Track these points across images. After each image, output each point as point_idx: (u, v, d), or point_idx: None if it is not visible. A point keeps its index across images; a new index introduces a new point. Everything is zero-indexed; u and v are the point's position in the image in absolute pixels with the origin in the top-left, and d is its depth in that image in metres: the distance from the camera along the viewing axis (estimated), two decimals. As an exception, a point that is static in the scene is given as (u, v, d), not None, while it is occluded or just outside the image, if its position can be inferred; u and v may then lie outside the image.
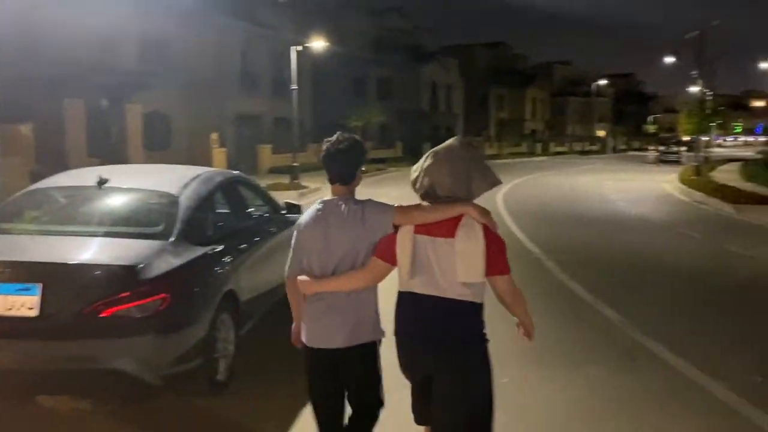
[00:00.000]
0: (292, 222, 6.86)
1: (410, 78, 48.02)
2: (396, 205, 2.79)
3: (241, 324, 4.94)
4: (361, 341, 2.90)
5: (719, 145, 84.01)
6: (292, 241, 3.02)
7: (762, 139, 53.86)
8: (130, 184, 4.99)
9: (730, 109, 64.32)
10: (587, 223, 14.34)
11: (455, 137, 2.89)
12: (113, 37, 21.91)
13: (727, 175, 28.57)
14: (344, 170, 2.95)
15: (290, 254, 3.01)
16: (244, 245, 5.21)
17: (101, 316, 3.72)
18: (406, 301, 2.76)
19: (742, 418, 4.27)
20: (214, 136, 26.54)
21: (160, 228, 4.39)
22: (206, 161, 23.23)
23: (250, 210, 6.15)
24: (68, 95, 18.93)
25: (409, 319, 2.75)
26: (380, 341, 2.99)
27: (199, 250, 4.40)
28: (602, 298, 7.31)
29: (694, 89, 35.62)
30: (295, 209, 6.97)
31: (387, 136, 44.66)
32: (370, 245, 2.79)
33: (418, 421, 2.88)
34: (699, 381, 4.87)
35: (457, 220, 2.59)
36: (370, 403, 3.01)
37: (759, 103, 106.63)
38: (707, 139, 42.07)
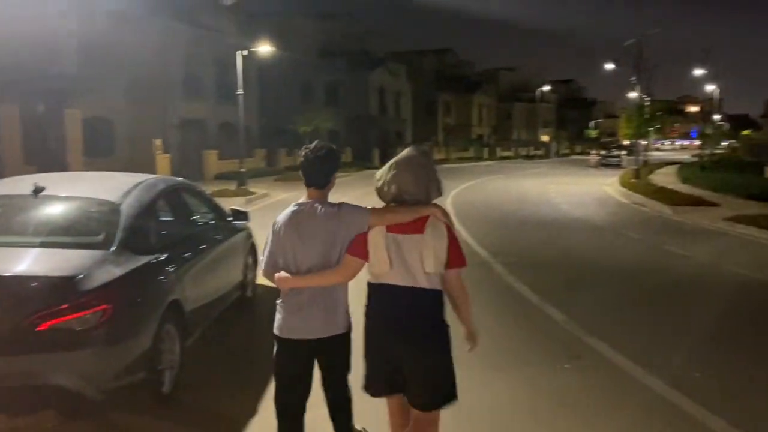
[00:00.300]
0: (239, 229, 6.84)
1: (359, 83, 48.11)
2: (371, 208, 3.09)
3: (187, 335, 4.83)
4: (336, 332, 3.19)
5: (657, 149, 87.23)
6: (267, 241, 3.22)
7: (697, 143, 56.20)
8: (68, 192, 4.82)
9: (667, 114, 66.77)
10: (533, 226, 14.64)
11: (411, 147, 3.19)
12: (51, 41, 21.17)
13: (664, 178, 29.68)
14: (321, 175, 3.19)
15: (266, 252, 3.23)
16: (189, 254, 5.11)
17: (39, 329, 3.58)
18: (378, 291, 3.07)
19: (681, 412, 4.42)
20: (158, 142, 25.94)
21: (100, 237, 4.26)
22: (150, 168, 22.67)
23: (195, 217, 6.05)
24: (2, 101, 18.19)
25: (382, 307, 3.07)
26: (351, 331, 3.28)
27: (142, 260, 4.29)
28: (548, 298, 7.47)
29: (633, 95, 36.86)
30: (242, 216, 6.89)
31: (336, 142, 44.25)
32: (346, 243, 3.07)
33: (377, 391, 3.19)
34: (640, 377, 5.03)
35: (424, 219, 2.99)
36: (344, 390, 3.35)
37: (694, 108, 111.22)
38: (646, 143, 43.61)
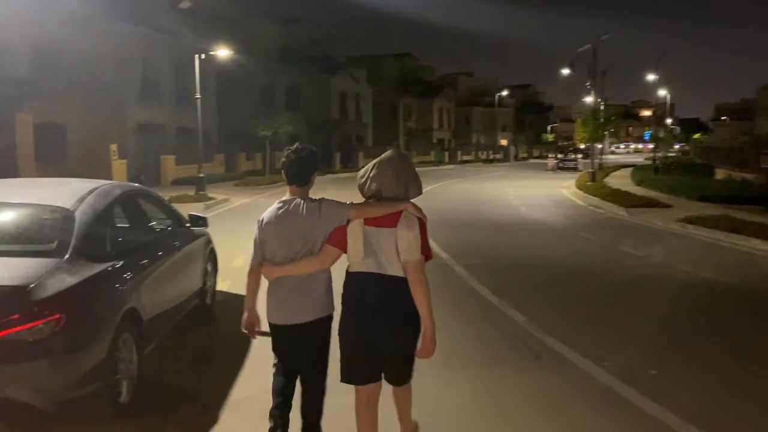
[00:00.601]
0: (198, 235, 6.75)
1: (319, 87, 47.98)
2: (350, 203, 3.40)
3: (145, 343, 4.75)
4: (318, 316, 3.54)
5: (612, 153, 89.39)
6: (256, 235, 3.56)
7: (650, 146, 57.78)
8: (19, 198, 4.69)
9: (621, 118, 68.45)
10: (493, 228, 14.82)
11: (392, 149, 3.48)
12: (1, 44, 20.54)
13: (619, 181, 30.41)
14: (302, 174, 3.55)
15: (255, 247, 3.58)
16: (146, 261, 5.02)
17: (-12, 341, 3.47)
18: (356, 279, 3.36)
19: (636, 408, 4.53)
20: (114, 147, 25.39)
21: (53, 245, 4.15)
22: (105, 174, 22.19)
23: (152, 224, 5.94)
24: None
25: (359, 293, 3.35)
26: (332, 315, 3.60)
27: (97, 268, 4.19)
28: (508, 300, 7.58)
29: (588, 99, 37.68)
30: (201, 222, 6.81)
31: (297, 146, 44.29)
32: (326, 235, 3.40)
33: (349, 378, 3.44)
34: (597, 375, 5.14)
35: (399, 214, 3.30)
36: (319, 376, 3.66)
37: (647, 113, 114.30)
38: (601, 146, 44.61)
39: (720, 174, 30.24)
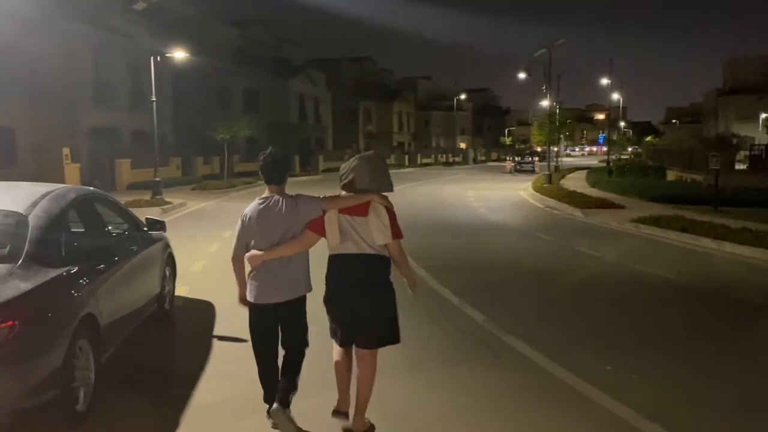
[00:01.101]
0: (156, 240, 6.63)
1: (278, 91, 47.66)
2: (324, 197, 3.98)
3: (102, 350, 4.65)
4: (295, 295, 4.02)
5: (568, 155, 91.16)
6: (237, 228, 4.04)
7: (604, 148, 59.18)
8: (-32, 203, 4.54)
9: (576, 121, 69.88)
10: (453, 230, 14.97)
11: (372, 151, 4.26)
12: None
13: (575, 183, 31.06)
14: (279, 175, 4.06)
15: (234, 238, 4.06)
16: (103, 266, 4.92)
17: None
18: (336, 260, 3.95)
19: (593, 403, 4.64)
20: (66, 150, 24.70)
21: (5, 250, 4.04)
22: (58, 178, 21.56)
23: (108, 228, 5.83)
24: None
25: (341, 271, 3.93)
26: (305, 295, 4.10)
27: (52, 273, 4.09)
28: (468, 300, 7.67)
29: (544, 103, 38.40)
30: (159, 226, 6.70)
31: (256, 149, 43.76)
32: (302, 225, 3.93)
33: (341, 343, 4.05)
34: (556, 373, 5.25)
35: (368, 204, 3.86)
36: (300, 343, 4.14)
37: (600, 116, 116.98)
38: (557, 149, 45.52)
39: (671, 175, 31.17)
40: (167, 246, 7.12)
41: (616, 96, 55.24)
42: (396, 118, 71.53)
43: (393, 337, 4.04)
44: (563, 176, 36.69)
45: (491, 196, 25.87)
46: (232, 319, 6.86)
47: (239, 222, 4.06)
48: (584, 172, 41.80)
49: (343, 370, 4.08)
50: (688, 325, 6.95)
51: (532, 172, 45.45)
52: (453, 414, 4.51)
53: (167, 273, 6.91)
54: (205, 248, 11.78)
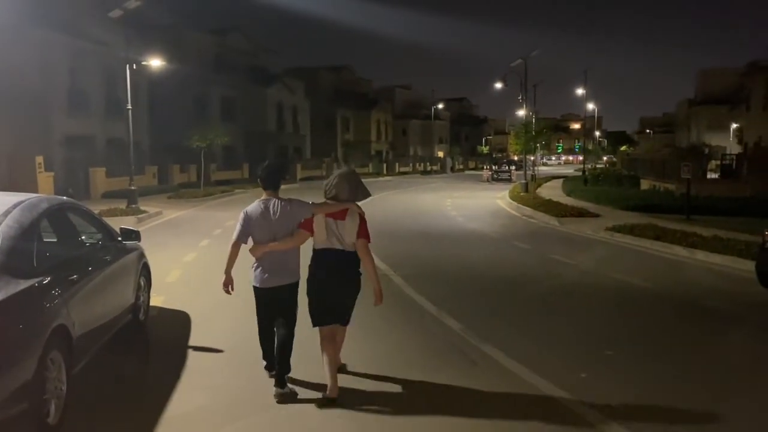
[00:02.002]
0: (130, 249, 6.57)
1: (256, 99, 47.48)
2: (312, 203, 4.98)
3: (75, 361, 4.58)
4: (290, 281, 5.00)
5: (544, 164, 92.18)
6: (239, 222, 4.95)
7: (580, 158, 59.98)
8: (-63, 213, 4.45)
9: (551, 131, 70.72)
10: (431, 239, 15.02)
11: (348, 167, 5.53)
12: None
13: (551, 191, 31.39)
14: (276, 182, 5.04)
15: (237, 230, 4.94)
16: (76, 276, 4.85)
17: None
18: (322, 252, 4.93)
19: (568, 410, 4.69)
20: (39, 159, 24.30)
21: (-25, 261, 3.96)
22: (31, 187, 21.21)
23: (81, 238, 5.75)
24: None
25: (323, 262, 4.92)
26: (299, 281, 5.06)
27: (23, 284, 4.03)
28: (445, 308, 7.71)
29: (521, 113, 38.79)
30: (133, 236, 6.64)
31: (232, 158, 43.65)
32: (295, 224, 4.93)
33: (318, 323, 5.03)
34: (531, 381, 5.29)
35: (345, 210, 4.90)
36: (291, 320, 5.07)
37: (576, 126, 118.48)
38: (533, 158, 45.99)
39: (645, 184, 31.66)
40: (142, 256, 7.05)
41: (591, 106, 56.07)
42: (374, 126, 71.67)
43: (348, 317, 5.14)
44: (539, 185, 37.05)
45: (469, 204, 26.02)
46: (208, 330, 6.82)
47: (241, 217, 4.98)
48: (560, 181, 42.26)
49: (330, 347, 4.97)
50: (661, 332, 7.06)
51: (509, 180, 45.81)
52: (428, 422, 4.52)
53: (142, 283, 6.84)
54: (182, 257, 11.68)
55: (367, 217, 5.00)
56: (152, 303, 7.43)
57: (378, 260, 11.22)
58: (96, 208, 16.71)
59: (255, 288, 5.06)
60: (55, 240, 5.34)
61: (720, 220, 16.31)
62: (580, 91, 51.66)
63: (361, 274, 5.00)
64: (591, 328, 7.16)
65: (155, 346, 6.60)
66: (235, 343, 6.36)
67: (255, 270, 5.02)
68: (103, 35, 28.49)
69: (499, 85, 36.01)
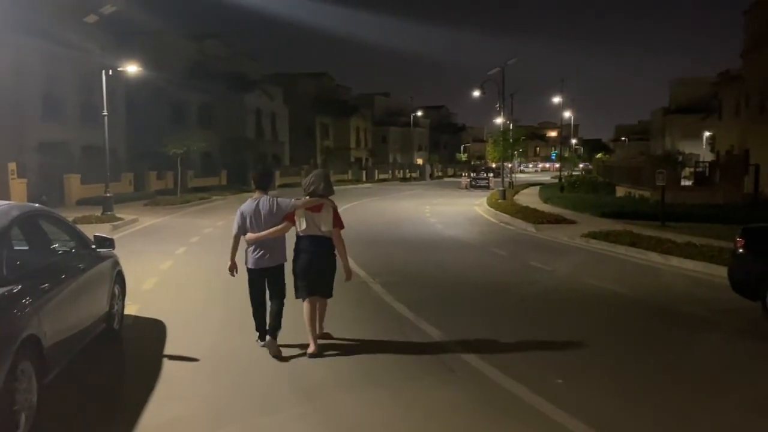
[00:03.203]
0: (105, 257, 6.48)
1: (234, 105, 47.26)
2: (294, 199, 6.23)
3: (46, 372, 4.49)
4: (278, 263, 6.27)
5: (522, 172, 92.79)
6: (236, 217, 6.17)
7: (557, 165, 60.56)
8: None
9: (529, 138, 71.23)
10: (409, 245, 15.04)
11: (320, 169, 7.05)
12: None
13: (528, 198, 31.64)
14: (266, 184, 6.33)
15: (235, 224, 6.19)
16: (47, 285, 4.76)
17: None
18: (303, 238, 6.17)
19: (545, 417, 4.71)
20: (12, 166, 23.89)
21: (-58, 270, 3.88)
22: (3, 194, 20.86)
23: (54, 246, 5.66)
24: None
25: (306, 246, 6.15)
26: (285, 263, 6.34)
27: (-8, 293, 3.95)
28: (424, 315, 7.71)
29: (498, 120, 39.07)
30: (107, 243, 6.56)
31: (210, 164, 43.35)
32: (281, 217, 6.11)
33: (301, 296, 6.23)
34: (509, 387, 5.31)
35: (321, 205, 6.12)
36: (281, 294, 6.27)
37: (553, 133, 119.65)
38: (511, 165, 46.32)
39: (620, 191, 32.07)
40: (116, 264, 6.96)
41: (567, 114, 56.65)
42: (353, 133, 71.72)
43: (328, 290, 6.36)
44: (517, 192, 37.32)
45: (447, 211, 26.12)
46: (184, 338, 6.74)
47: (238, 214, 6.20)
48: (537, 188, 42.62)
49: (312, 314, 6.21)
50: (636, 338, 7.14)
51: (487, 188, 46.05)
52: (406, 430, 4.51)
53: (116, 291, 6.75)
54: (158, 265, 11.54)
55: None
56: (127, 311, 7.33)
57: (357, 268, 11.26)
58: (70, 216, 16.48)
59: (250, 270, 6.22)
60: (27, 248, 5.25)
61: (694, 227, 16.58)
62: (556, 100, 52.22)
63: (335, 254, 6.27)
64: (568, 334, 7.20)
65: (130, 355, 6.50)
66: (212, 351, 6.30)
67: (250, 254, 6.17)
68: (80, 41, 28.18)
69: (477, 93, 36.21)
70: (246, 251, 6.20)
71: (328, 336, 6.54)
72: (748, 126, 33.78)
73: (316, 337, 6.15)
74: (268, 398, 5.09)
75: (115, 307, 6.68)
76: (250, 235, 6.10)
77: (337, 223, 6.16)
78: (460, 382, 5.48)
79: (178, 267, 11.64)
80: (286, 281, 6.34)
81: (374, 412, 4.82)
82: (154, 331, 7.04)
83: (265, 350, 6.08)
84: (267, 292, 6.30)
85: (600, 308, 8.61)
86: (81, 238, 6.20)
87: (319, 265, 6.13)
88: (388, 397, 5.12)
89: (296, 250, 6.19)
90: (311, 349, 6.03)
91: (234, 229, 6.20)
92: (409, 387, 5.35)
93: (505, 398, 5.09)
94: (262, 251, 6.13)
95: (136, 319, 7.50)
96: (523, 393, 5.15)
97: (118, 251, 7.12)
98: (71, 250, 5.91)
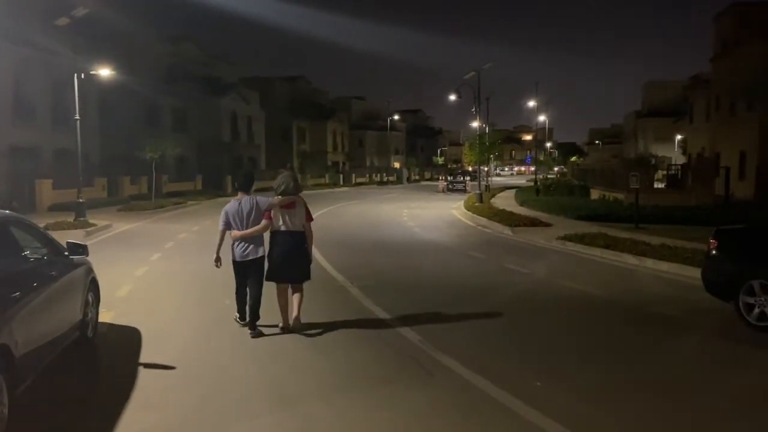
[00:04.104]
0: (78, 264, 6.37)
1: (209, 109, 46.88)
2: (271, 199, 7.09)
3: (18, 382, 4.39)
4: (260, 255, 7.14)
5: (498, 175, 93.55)
6: (222, 216, 7.16)
7: (532, 168, 61.20)
8: None
9: (504, 142, 71.90)
10: (388, 249, 15.04)
11: (288, 171, 7.33)
12: None
13: (504, 201, 31.86)
14: (248, 186, 7.32)
15: (221, 222, 7.15)
16: (18, 293, 4.65)
17: None
18: (279, 233, 7.09)
19: (524, 420, 4.73)
20: (-19, 171, 23.44)
21: None
22: (-29, 199, 20.39)
23: (25, 253, 5.54)
24: None
25: (280, 240, 7.06)
26: (264, 256, 7.21)
27: (-39, 302, 3.84)
28: (402, 319, 7.71)
29: (474, 124, 39.31)
30: (80, 250, 6.44)
31: (185, 169, 42.90)
32: (260, 215, 7.04)
33: (277, 280, 7.19)
34: (487, 390, 5.32)
35: (294, 203, 7.09)
36: (259, 284, 7.15)
37: (528, 137, 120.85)
38: (487, 169, 46.65)
39: (594, 194, 32.47)
40: (90, 270, 6.84)
41: (542, 118, 57.27)
42: (330, 137, 71.60)
43: (308, 276, 7.34)
44: (493, 195, 37.57)
45: (425, 215, 26.18)
46: (160, 346, 6.65)
47: (223, 213, 7.20)
48: (513, 191, 42.92)
49: (284, 299, 7.23)
50: (613, 339, 7.21)
51: (464, 191, 46.29)
52: (387, 435, 4.50)
53: (90, 299, 6.63)
54: (132, 272, 11.38)
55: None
56: (101, 319, 7.21)
57: (335, 272, 11.26)
58: (42, 222, 16.17)
59: (235, 262, 7.18)
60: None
61: (667, 229, 16.82)
62: (531, 104, 52.76)
63: (306, 246, 7.24)
64: (545, 336, 7.25)
65: (104, 363, 6.39)
66: (188, 359, 6.22)
67: (236, 249, 7.14)
68: (51, 44, 27.70)
69: (453, 97, 36.42)
70: (232, 246, 7.15)
71: (296, 324, 7.20)
72: (718, 129, 34.46)
73: (287, 315, 7.20)
74: (245, 405, 5.04)
75: (89, 314, 6.56)
76: (235, 233, 7.08)
77: (308, 217, 7.24)
78: (439, 385, 5.48)
79: (152, 273, 11.49)
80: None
81: (352, 417, 4.79)
82: (128, 338, 6.94)
83: (240, 356, 6.40)
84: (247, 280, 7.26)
85: (577, 310, 8.68)
86: (53, 245, 6.08)
87: (291, 255, 7.12)
88: (366, 401, 5.10)
89: (272, 243, 7.16)
90: (283, 323, 7.17)
91: (220, 226, 7.18)
92: (387, 390, 5.33)
93: (484, 401, 5.10)
94: (246, 246, 7.10)
95: (111, 327, 7.38)
96: (502, 396, 5.16)
97: (91, 258, 7.00)
98: (43, 257, 5.79)
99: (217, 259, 7.19)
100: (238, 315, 7.38)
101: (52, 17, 22.22)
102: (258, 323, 7.10)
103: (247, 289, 7.18)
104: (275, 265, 7.09)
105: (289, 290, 7.27)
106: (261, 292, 7.13)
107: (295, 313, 7.14)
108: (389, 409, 4.95)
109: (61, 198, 26.28)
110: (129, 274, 11.15)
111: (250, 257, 7.08)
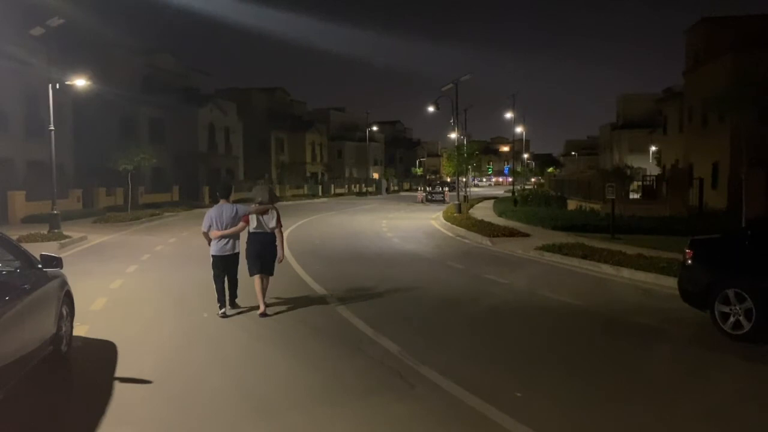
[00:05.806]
0: (52, 277, 6.25)
1: (186, 120, 46.52)
2: (248, 208, 8.81)
3: (-12, 398, 4.28)
4: (235, 252, 8.79)
5: (476, 186, 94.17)
6: (205, 219, 8.79)
7: (510, 179, 61.69)
8: None
9: (482, 153, 72.39)
10: (367, 260, 15.00)
11: (263, 182, 7.59)
12: None
13: (483, 212, 32.01)
14: (228, 194, 9.06)
15: (204, 224, 8.75)
16: (-10, 307, 4.55)
17: None
18: (254, 234, 8.75)
19: (504, 430, 4.72)
20: (-48, 182, 22.96)
21: None
22: (-59, 211, 19.96)
23: (-3, 266, 5.42)
24: None
25: (256, 240, 8.74)
26: (239, 252, 8.84)
27: (-70, 316, 3.74)
28: (382, 331, 7.68)
29: (453, 135, 39.54)
30: (54, 263, 6.32)
31: (162, 180, 42.46)
32: (239, 218, 8.69)
33: (253, 273, 8.77)
34: (468, 401, 5.31)
35: (267, 209, 8.74)
36: (235, 275, 8.93)
37: (505, 148, 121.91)
38: (465, 180, 46.91)
39: (571, 204, 32.78)
40: (64, 283, 6.71)
41: (519, 129, 57.80)
42: (309, 148, 71.49)
43: (271, 272, 8.87)
44: (472, 206, 37.73)
45: (404, 225, 26.19)
46: (135, 360, 6.54)
47: (206, 216, 8.78)
48: (491, 201, 43.19)
49: (260, 286, 8.72)
50: (592, 349, 7.25)
51: (443, 201, 46.44)
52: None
53: (64, 312, 6.50)
54: (107, 284, 11.20)
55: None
56: (76, 333, 7.07)
57: (314, 284, 11.20)
58: (14, 234, 15.86)
59: (214, 256, 8.70)
60: (-33, 268, 5.01)
61: (643, 239, 17.02)
62: (508, 115, 53.23)
63: (275, 245, 8.75)
64: (524, 346, 7.27)
65: (79, 378, 6.26)
66: (163, 373, 6.12)
67: (215, 245, 8.65)
68: (25, 54, 27.31)
69: (431, 109, 36.63)
70: (212, 243, 8.68)
71: (264, 313, 8.61)
72: (691, 140, 35.07)
73: (264, 303, 8.69)
74: (222, 418, 4.97)
75: (63, 328, 6.43)
76: (215, 231, 8.58)
77: (279, 223, 8.78)
78: (420, 397, 5.46)
79: (128, 286, 11.32)
80: (240, 264, 8.87)
81: (331, 429, 4.75)
82: (104, 352, 6.81)
83: (217, 368, 6.40)
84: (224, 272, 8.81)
85: (556, 320, 8.72)
86: (26, 258, 5.96)
87: (264, 252, 8.68)
88: (347, 414, 5.06)
89: (248, 242, 8.73)
90: (261, 310, 8.60)
91: (204, 228, 8.77)
92: (367, 403, 5.30)
93: (464, 412, 5.09)
94: (223, 243, 8.65)
95: (86, 341, 7.24)
96: (483, 407, 5.16)
97: (66, 270, 6.87)
98: (16, 269, 5.68)
99: (210, 242, 8.86)
100: (219, 304, 8.68)
101: (27, 27, 21.94)
102: (237, 311, 8.87)
103: (226, 276, 8.78)
104: (251, 260, 8.68)
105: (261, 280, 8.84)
106: (237, 277, 8.93)
107: (263, 302, 8.73)
108: (370, 422, 4.91)
109: (35, 210, 25.84)
110: (104, 286, 10.97)
111: (228, 252, 8.68)
